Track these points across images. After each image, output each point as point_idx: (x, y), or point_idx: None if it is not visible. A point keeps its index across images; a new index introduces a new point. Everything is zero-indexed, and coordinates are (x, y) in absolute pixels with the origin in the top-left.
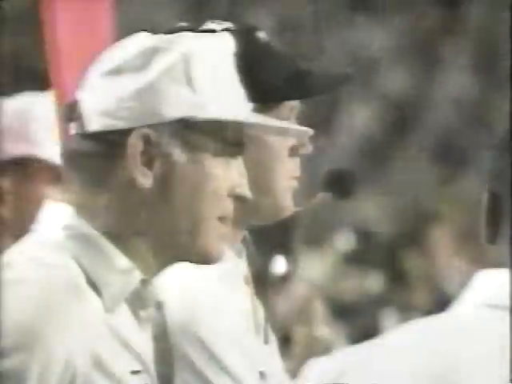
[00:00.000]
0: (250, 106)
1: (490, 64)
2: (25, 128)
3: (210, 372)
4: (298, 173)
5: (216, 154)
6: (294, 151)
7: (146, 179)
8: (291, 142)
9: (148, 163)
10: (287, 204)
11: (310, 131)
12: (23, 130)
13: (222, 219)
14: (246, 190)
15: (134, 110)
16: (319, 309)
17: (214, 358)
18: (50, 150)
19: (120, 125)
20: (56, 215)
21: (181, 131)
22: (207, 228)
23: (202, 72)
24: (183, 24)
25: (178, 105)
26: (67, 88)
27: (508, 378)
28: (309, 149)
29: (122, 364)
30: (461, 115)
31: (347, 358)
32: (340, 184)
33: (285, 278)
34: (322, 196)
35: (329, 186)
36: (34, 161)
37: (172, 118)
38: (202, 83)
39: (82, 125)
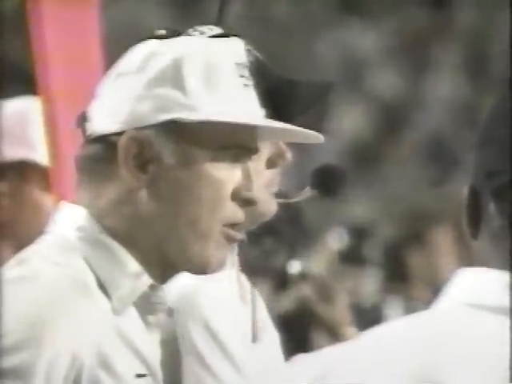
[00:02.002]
0: (261, 110)
1: (480, 65)
2: (24, 132)
3: (214, 359)
4: (277, 181)
5: (216, 157)
6: (271, 163)
7: (139, 182)
8: (267, 154)
9: (142, 166)
10: (266, 210)
11: (321, 137)
12: (22, 134)
13: (229, 226)
14: (253, 194)
15: (127, 112)
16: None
17: (218, 345)
18: (45, 154)
19: (115, 128)
20: (70, 216)
21: (173, 134)
22: (206, 235)
23: (195, 75)
24: (169, 29)
25: (168, 107)
26: (54, 92)
27: (486, 375)
28: (288, 159)
29: (127, 366)
30: (452, 116)
31: (333, 354)
32: (328, 181)
33: (300, 278)
34: (309, 191)
35: (317, 183)
36: (32, 165)
37: (162, 121)
38: (195, 86)
39: (87, 129)
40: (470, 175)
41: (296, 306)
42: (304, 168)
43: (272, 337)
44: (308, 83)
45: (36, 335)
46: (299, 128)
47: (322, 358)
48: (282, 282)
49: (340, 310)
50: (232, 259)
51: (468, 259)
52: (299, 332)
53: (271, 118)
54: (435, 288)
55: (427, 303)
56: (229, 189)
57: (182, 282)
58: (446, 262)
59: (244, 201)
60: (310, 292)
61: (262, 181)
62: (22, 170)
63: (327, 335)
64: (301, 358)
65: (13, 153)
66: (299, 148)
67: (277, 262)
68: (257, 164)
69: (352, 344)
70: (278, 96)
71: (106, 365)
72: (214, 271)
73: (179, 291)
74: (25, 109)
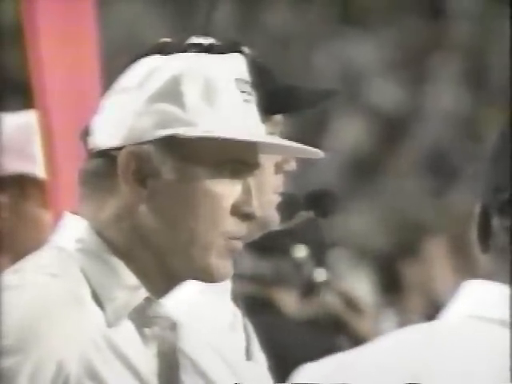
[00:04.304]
0: (262, 126)
1: (480, 77)
2: (25, 146)
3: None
4: (281, 189)
5: (215, 173)
6: (278, 168)
7: (138, 197)
8: (276, 159)
9: (141, 181)
10: (273, 217)
11: (320, 153)
12: (24, 148)
13: (227, 238)
14: (252, 208)
15: (127, 128)
16: None
17: (198, 370)
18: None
19: (116, 143)
20: (71, 228)
21: (172, 149)
22: (205, 247)
23: (195, 91)
24: (167, 39)
25: (167, 123)
26: (51, 105)
27: None
28: (293, 166)
29: (117, 378)
30: (451, 128)
31: (335, 362)
32: (321, 204)
33: (324, 286)
34: (304, 215)
35: (310, 206)
36: (32, 179)
37: (161, 136)
38: (194, 102)
39: (89, 143)
40: (480, 191)
41: (324, 315)
42: (305, 178)
43: (262, 360)
44: (310, 88)
45: (22, 342)
46: (299, 144)
47: (324, 366)
48: (308, 290)
49: (368, 319)
50: (227, 286)
51: (466, 271)
52: (326, 338)
53: (273, 114)
54: (433, 301)
55: (421, 316)
56: (228, 204)
57: (181, 299)
58: (442, 273)
59: (244, 215)
60: (338, 302)
61: (269, 186)
62: (22, 184)
63: (356, 344)
64: (304, 367)
65: (13, 166)
66: (300, 158)
67: (304, 270)
68: (266, 167)
69: (353, 352)
70: (279, 94)
71: (94, 376)
72: (221, 280)
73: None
74: (26, 123)
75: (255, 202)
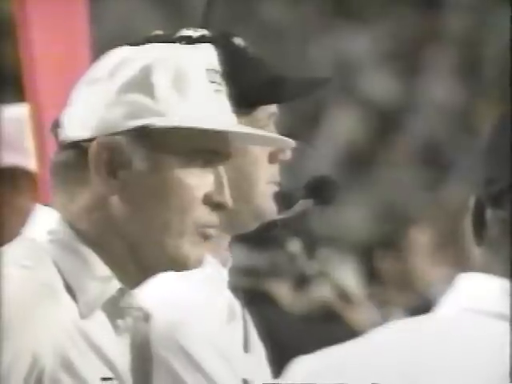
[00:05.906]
0: (232, 116)
1: (473, 69)
2: (19, 139)
3: (191, 379)
4: (277, 178)
5: (187, 162)
6: (273, 157)
7: (110, 188)
8: (270, 148)
9: (113, 172)
10: (268, 207)
11: (292, 142)
12: (17, 141)
13: (200, 227)
14: (225, 198)
15: (98, 119)
16: None
17: (195, 365)
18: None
19: (87, 134)
20: (43, 220)
21: (143, 140)
22: (178, 236)
23: (165, 81)
24: (158, 32)
25: (138, 113)
26: (42, 99)
27: (486, 379)
28: (288, 155)
29: (92, 369)
30: (444, 121)
31: (330, 356)
32: (322, 191)
33: (318, 278)
34: (304, 203)
35: (311, 193)
36: (24, 172)
37: (132, 127)
38: (164, 92)
39: (60, 135)
40: (474, 183)
41: (317, 306)
42: (299, 170)
43: (260, 350)
44: (302, 78)
45: None
46: (270, 133)
47: (318, 359)
48: (302, 282)
49: (360, 310)
50: (223, 275)
51: (456, 264)
52: (321, 330)
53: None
54: (418, 293)
55: (405, 309)
56: (199, 193)
57: (161, 291)
58: (428, 266)
59: (216, 205)
60: (331, 294)
61: (262, 176)
62: (13, 177)
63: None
64: (299, 360)
65: (5, 159)
66: (293, 150)
67: (298, 263)
68: (259, 157)
69: (349, 346)
70: (271, 84)
71: (68, 368)
72: (194, 267)
73: (159, 313)
74: (18, 116)
75: (227, 192)
